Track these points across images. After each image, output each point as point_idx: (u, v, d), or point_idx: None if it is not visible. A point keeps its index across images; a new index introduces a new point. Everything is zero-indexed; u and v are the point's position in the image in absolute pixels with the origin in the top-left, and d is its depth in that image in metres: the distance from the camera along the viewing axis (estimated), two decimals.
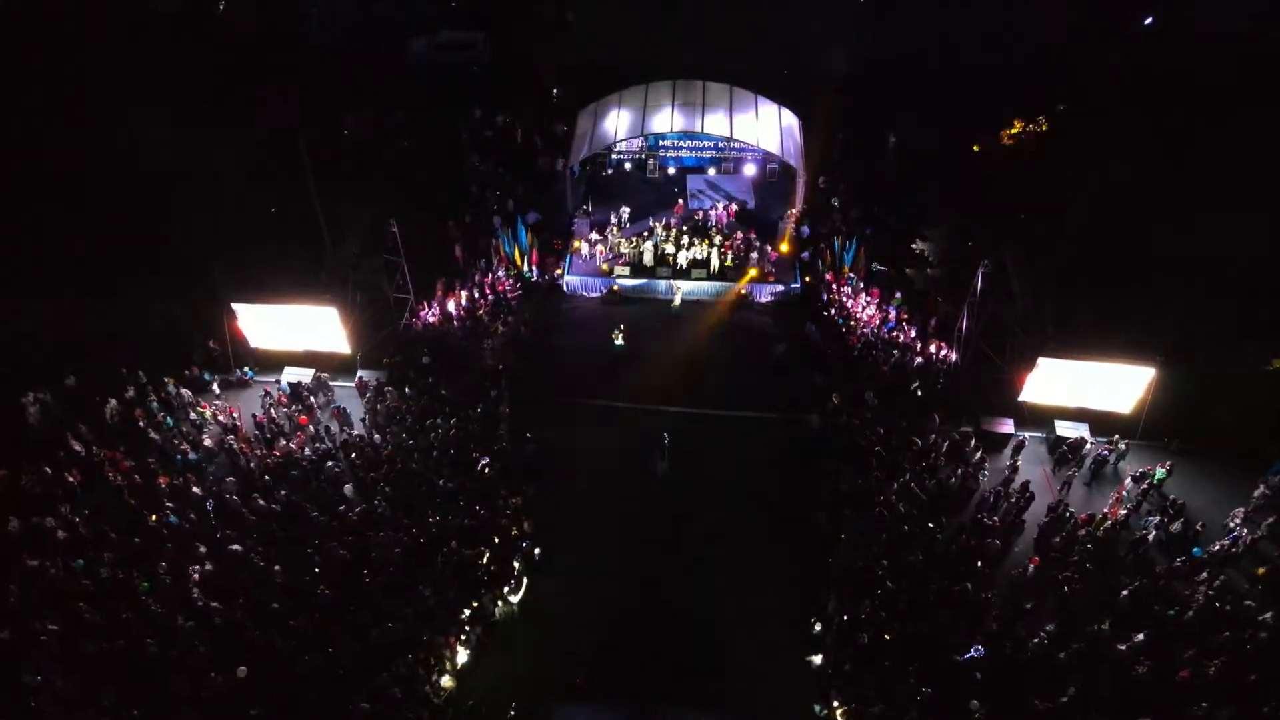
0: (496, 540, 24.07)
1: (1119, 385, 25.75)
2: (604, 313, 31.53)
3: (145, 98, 35.37)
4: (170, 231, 31.57)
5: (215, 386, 28.17)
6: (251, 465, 25.92)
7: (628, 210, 33.06)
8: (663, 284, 31.58)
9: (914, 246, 32.17)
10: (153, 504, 24.70)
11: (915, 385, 27.75)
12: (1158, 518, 24.58)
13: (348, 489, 25.17)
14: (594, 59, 40.62)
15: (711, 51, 40.82)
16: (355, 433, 26.92)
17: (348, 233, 27.75)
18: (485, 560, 23.57)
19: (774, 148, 31.64)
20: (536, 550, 24.36)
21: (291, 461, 25.96)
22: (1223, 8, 40.81)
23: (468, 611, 22.64)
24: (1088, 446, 26.60)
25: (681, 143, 33.34)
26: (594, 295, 32.10)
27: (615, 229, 32.58)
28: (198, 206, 31.72)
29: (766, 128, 32.33)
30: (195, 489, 25.19)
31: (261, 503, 24.83)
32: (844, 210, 33.19)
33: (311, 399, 28.12)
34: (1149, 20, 41.08)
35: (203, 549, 23.72)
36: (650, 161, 34.45)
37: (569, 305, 32.02)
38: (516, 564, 23.87)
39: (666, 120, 32.08)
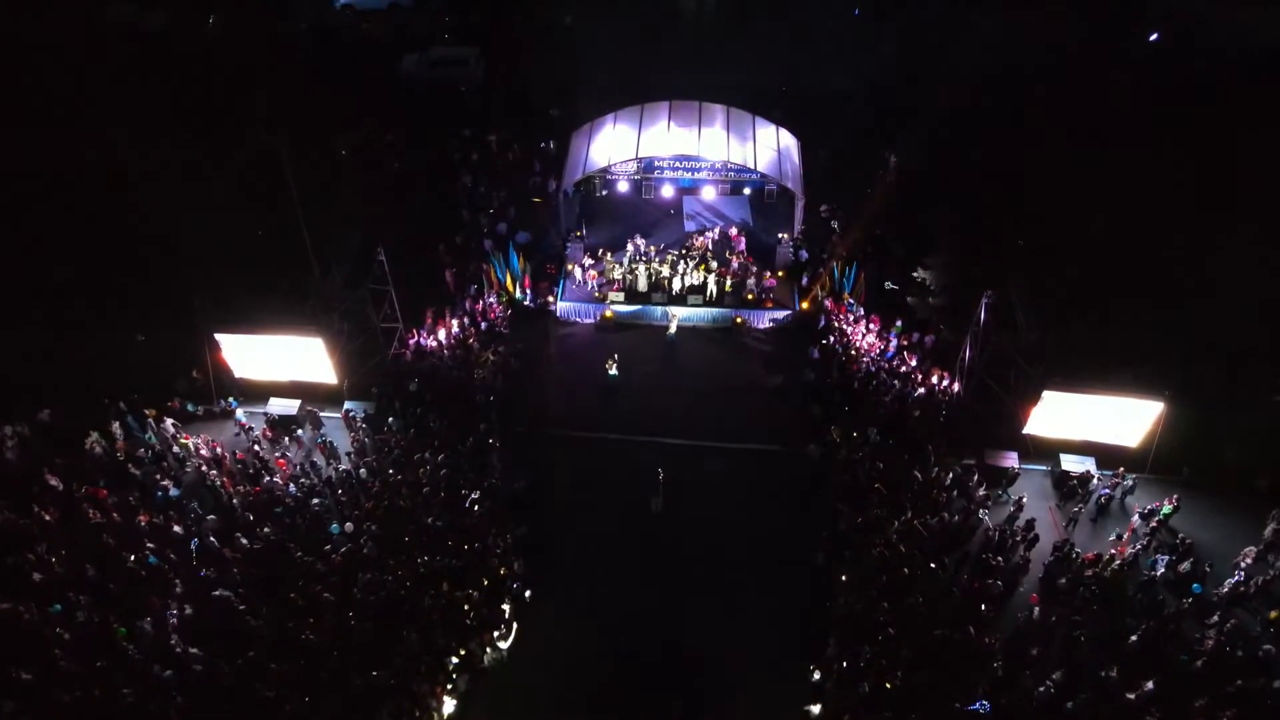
0: (486, 582, 23.36)
1: (1126, 419, 25.09)
2: (598, 340, 30.82)
3: (126, 120, 34.68)
4: (150, 258, 30.84)
5: (200, 415, 27.49)
6: (234, 502, 25.21)
7: (643, 241, 32.27)
8: (658, 310, 30.86)
9: (915, 275, 31.41)
10: (132, 543, 24.03)
11: (916, 414, 27.06)
12: (1167, 557, 23.90)
13: (333, 527, 24.42)
14: (589, 75, 39.99)
15: (709, 67, 40.34)
16: (342, 467, 26.16)
17: (334, 261, 27.00)
18: (474, 604, 22.84)
19: (771, 170, 30.93)
20: (527, 592, 23.66)
21: (275, 498, 25.24)
22: (1230, 24, 40.43)
23: (455, 659, 21.91)
24: (1094, 482, 25.90)
25: (678, 163, 32.59)
26: (588, 321, 31.35)
27: (626, 257, 31.84)
28: (180, 232, 30.95)
29: (764, 149, 31.64)
30: (176, 527, 24.47)
31: (244, 542, 24.11)
32: (844, 233, 32.42)
33: (299, 431, 27.40)
34: (1155, 36, 40.45)
35: (183, 590, 23.05)
36: (646, 183, 33.72)
37: (562, 332, 31.29)
38: (506, 607, 23.15)
39: (662, 142, 31.38)
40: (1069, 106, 36.90)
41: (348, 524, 24.18)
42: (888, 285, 31.60)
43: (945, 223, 32.71)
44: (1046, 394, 24.70)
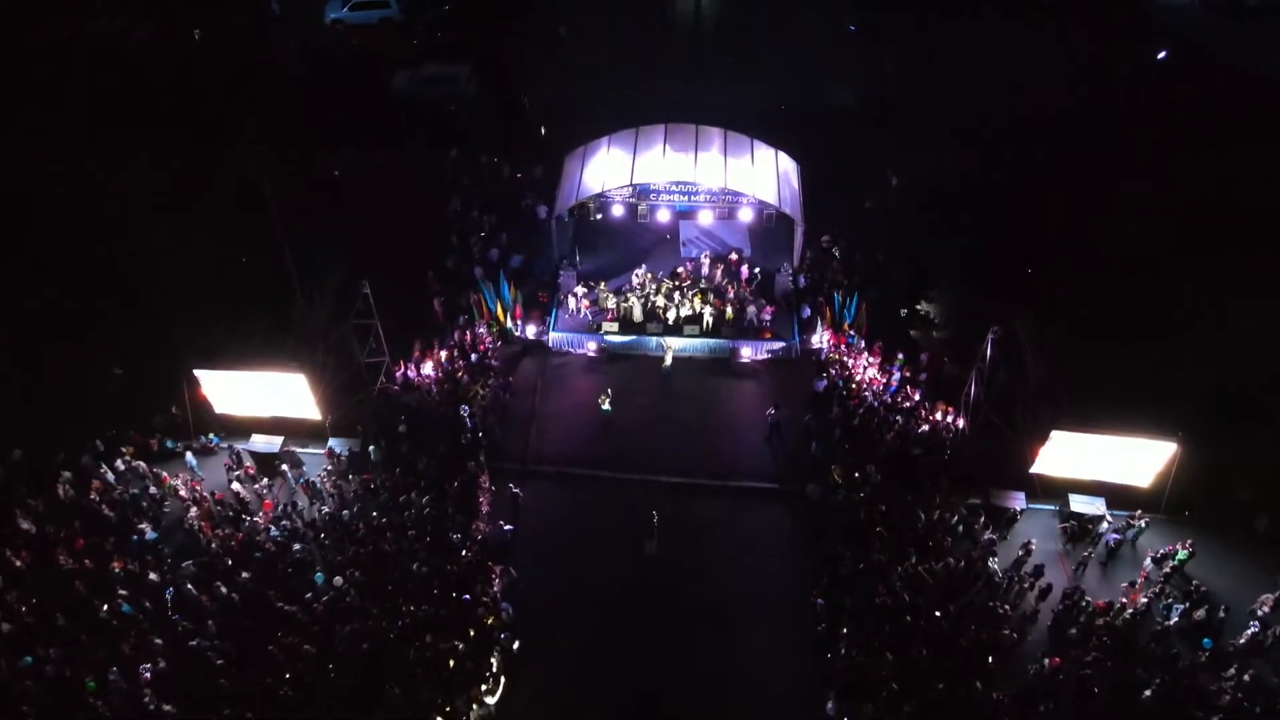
0: (472, 633, 22.43)
1: (1138, 459, 24.19)
2: (591, 372, 29.92)
3: (105, 140, 33.78)
4: (128, 287, 29.96)
5: (186, 455, 26.56)
6: (213, 546, 24.29)
7: (646, 270, 31.50)
8: (653, 341, 29.95)
9: (919, 308, 30.48)
10: (105, 590, 23.12)
11: (919, 451, 26.17)
12: (1182, 605, 22.99)
13: (317, 576, 23.48)
14: (583, 90, 39.12)
15: (705, 83, 39.50)
16: (324, 510, 25.23)
17: (317, 294, 26.10)
18: (460, 656, 21.91)
19: (770, 197, 30.01)
20: (516, 643, 22.72)
21: (254, 543, 24.33)
22: (1238, 41, 39.65)
23: (440, 716, 20.97)
24: (1105, 525, 24.99)
25: (674, 187, 31.66)
26: (580, 352, 30.44)
27: (621, 286, 31.02)
28: (158, 260, 30.04)
29: (763, 174, 30.72)
30: (152, 574, 23.55)
31: (223, 590, 23.20)
32: (845, 261, 31.53)
33: (283, 468, 26.46)
34: (1163, 55, 39.59)
35: (158, 641, 22.13)
36: (641, 206, 32.83)
37: (554, 362, 30.35)
38: (494, 660, 22.22)
39: (658, 167, 30.46)
40: (1076, 127, 36.07)
41: (336, 578, 23.17)
42: (903, 313, 30.75)
43: (949, 250, 31.70)
44: (1055, 434, 23.82)
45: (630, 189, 31.29)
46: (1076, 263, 30.56)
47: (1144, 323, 28.28)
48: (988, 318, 25.14)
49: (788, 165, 31.86)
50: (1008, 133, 35.61)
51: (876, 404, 27.48)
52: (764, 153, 31.57)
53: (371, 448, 26.43)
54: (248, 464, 26.55)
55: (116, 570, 23.49)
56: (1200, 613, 22.89)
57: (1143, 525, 24.77)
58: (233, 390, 26.15)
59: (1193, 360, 26.73)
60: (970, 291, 30.51)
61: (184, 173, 33.66)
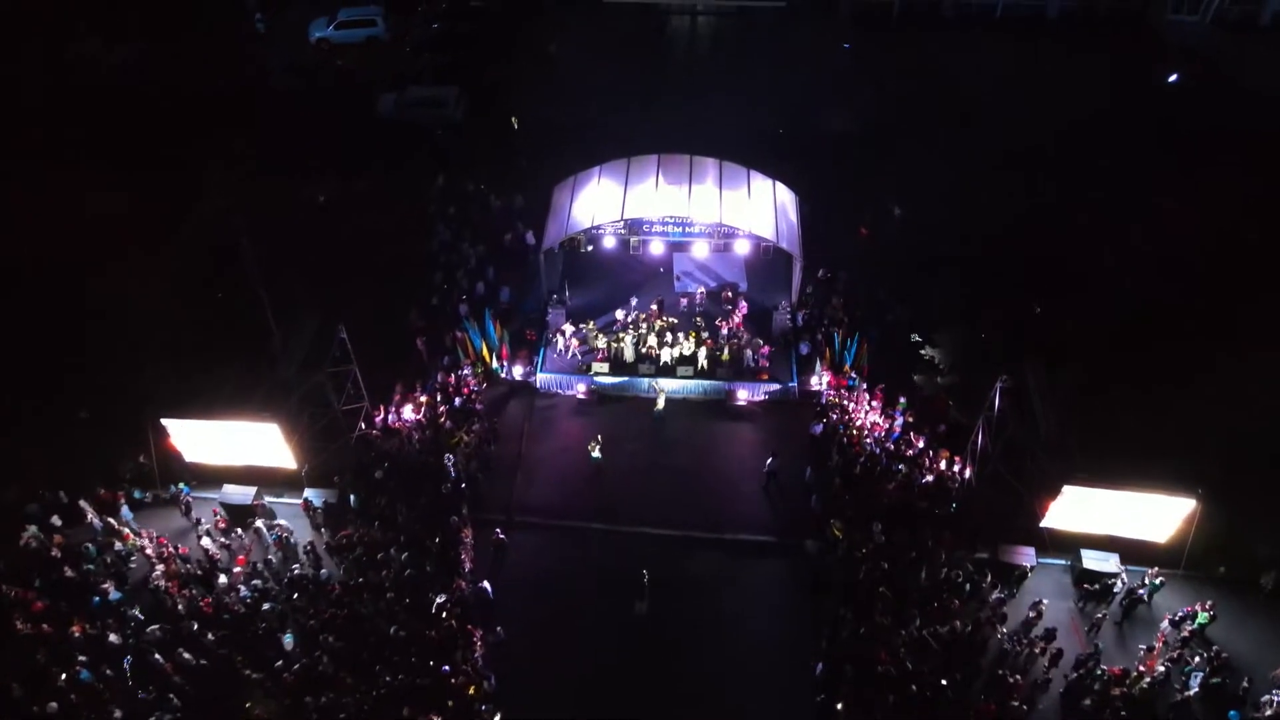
0: (451, 704, 21.16)
1: (1154, 514, 22.93)
2: (580, 415, 28.66)
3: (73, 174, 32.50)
4: (94, 329, 28.71)
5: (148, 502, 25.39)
6: (179, 608, 23.02)
7: (636, 308, 30.42)
8: (645, 382, 28.68)
9: (922, 352, 29.21)
10: (64, 656, 21.86)
11: (924, 504, 24.93)
12: (1201, 674, 21.72)
13: (286, 641, 22.21)
14: (574, 116, 37.93)
15: (701, 108, 38.32)
16: (297, 569, 23.94)
17: (292, 341, 24.85)
18: None
19: (767, 231, 28.76)
20: (498, 716, 21.43)
21: (223, 604, 23.08)
22: (1251, 58, 38.48)
23: None
24: (1120, 585, 23.72)
25: (668, 217, 30.42)
26: (569, 393, 29.18)
27: (612, 325, 29.81)
28: (126, 302, 28.78)
29: (759, 207, 29.48)
30: (113, 637, 22.28)
31: (187, 656, 21.94)
32: (846, 297, 30.27)
33: (256, 523, 25.20)
34: (1174, 78, 38.36)
35: (118, 714, 20.87)
36: (634, 239, 31.61)
37: (541, 404, 29.08)
38: None
39: (650, 201, 29.22)
40: (1088, 155, 34.81)
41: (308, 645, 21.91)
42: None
43: (954, 288, 30.43)
44: (1067, 489, 22.57)
45: (622, 224, 30.02)
46: (1090, 304, 29.30)
47: (1161, 369, 26.96)
48: (996, 364, 23.92)
49: (785, 197, 30.60)
50: (1016, 161, 34.32)
51: (878, 450, 26.22)
52: (761, 184, 30.33)
53: (351, 496, 25.23)
54: (219, 517, 25.26)
55: (76, 635, 22.24)
56: (1220, 679, 21.66)
57: (1157, 583, 23.52)
58: (203, 439, 24.92)
59: (1213, 409, 25.42)
60: (977, 336, 29.20)
61: (155, 206, 32.29)
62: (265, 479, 25.77)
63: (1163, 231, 31.20)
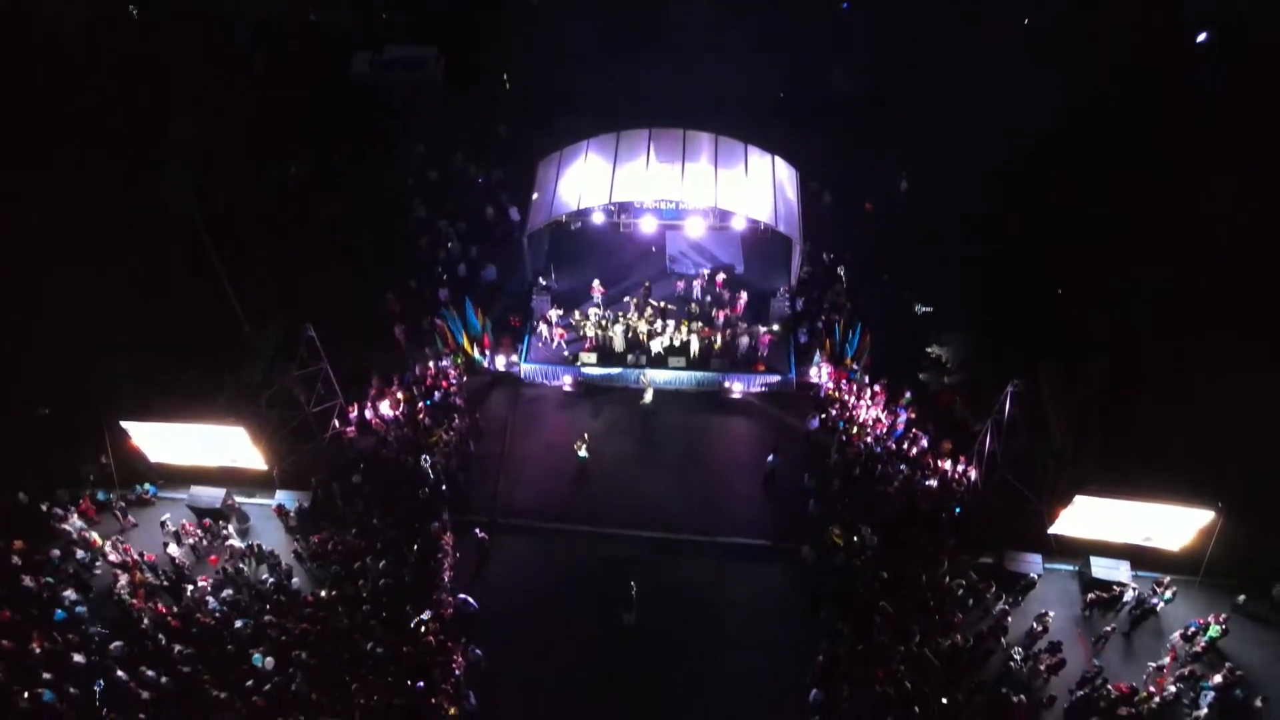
0: None
1: (1169, 522, 21.82)
2: (567, 408, 27.32)
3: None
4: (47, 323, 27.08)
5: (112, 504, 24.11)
6: (145, 622, 21.93)
7: (625, 297, 28.78)
8: (634, 374, 27.24)
9: (929, 350, 27.70)
10: (24, 675, 20.81)
11: (925, 507, 23.78)
12: (1213, 693, 20.80)
13: (257, 658, 21.16)
14: (561, 78, 35.71)
15: (694, 68, 35.99)
16: (269, 579, 22.79)
17: (258, 343, 23.35)
18: None
19: (764, 213, 26.97)
20: None
21: (191, 617, 22.00)
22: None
23: None
24: (1129, 594, 22.70)
25: (660, 200, 28.62)
26: (555, 384, 27.76)
27: (597, 311, 28.19)
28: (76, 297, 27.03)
29: (756, 186, 27.65)
30: (77, 655, 21.21)
31: (151, 674, 20.90)
32: (849, 283, 28.64)
33: (226, 528, 24.02)
34: (1203, 37, 35.91)
35: None
36: (624, 218, 29.86)
37: (526, 396, 27.70)
38: None
39: (641, 181, 27.32)
40: (1110, 125, 32.68)
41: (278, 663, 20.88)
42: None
43: (964, 275, 28.77)
44: (1079, 498, 21.39)
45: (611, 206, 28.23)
46: (1113, 300, 27.64)
47: (1182, 374, 25.47)
48: (1007, 366, 22.51)
49: (784, 174, 28.74)
50: (1028, 132, 32.19)
51: (879, 449, 24.94)
52: (759, 160, 28.44)
53: (332, 509, 23.99)
54: (185, 521, 24.04)
55: (35, 650, 21.16)
56: (1234, 695, 20.78)
57: (1170, 595, 22.51)
58: (168, 440, 23.59)
59: (1238, 415, 24.00)
60: (988, 332, 27.67)
61: (108, 192, 30.14)
62: (235, 479, 24.53)
63: (1186, 217, 29.16)
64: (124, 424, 23.02)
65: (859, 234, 30.48)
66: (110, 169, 30.92)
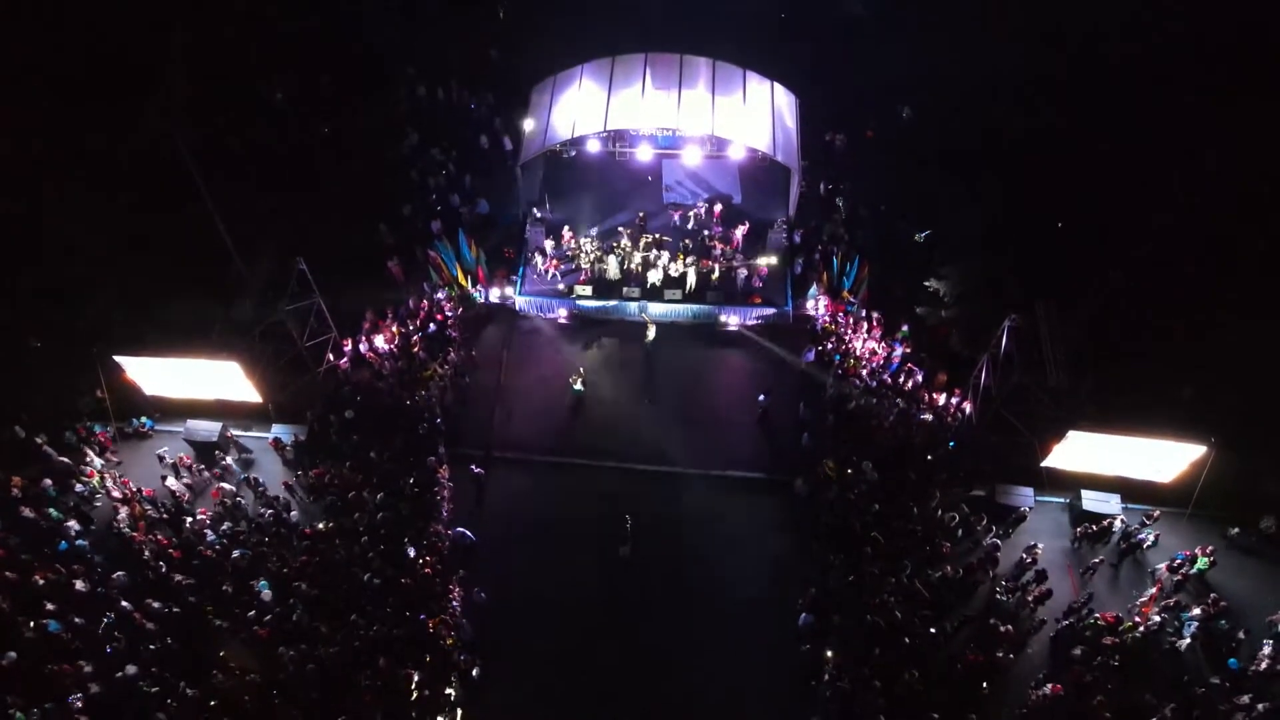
0: (429, 657, 20.67)
1: (1161, 458, 21.91)
2: (562, 341, 27.19)
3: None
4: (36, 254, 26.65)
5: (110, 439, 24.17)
6: (146, 554, 22.21)
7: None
8: (631, 306, 27.00)
9: (926, 283, 27.34)
10: (30, 604, 21.16)
11: (919, 441, 23.86)
12: (1196, 624, 21.20)
13: (261, 585, 21.47)
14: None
15: None
16: (267, 511, 22.99)
17: (249, 275, 23.05)
18: (415, 684, 20.21)
19: (763, 142, 26.37)
20: (475, 668, 20.97)
21: (193, 549, 22.28)
22: None
23: None
24: (1118, 525, 22.94)
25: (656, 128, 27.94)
26: (550, 316, 27.57)
27: (592, 243, 27.64)
28: (65, 229, 26.53)
29: (755, 113, 26.97)
30: (79, 584, 21.54)
31: (156, 605, 21.28)
32: (848, 214, 28.16)
33: (224, 459, 24.14)
34: None
35: (88, 668, 20.32)
36: (619, 145, 29.14)
37: (522, 328, 27.51)
38: (452, 689, 20.55)
39: (636, 109, 26.64)
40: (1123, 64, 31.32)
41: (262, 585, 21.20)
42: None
43: (964, 208, 28.22)
44: (1072, 433, 21.43)
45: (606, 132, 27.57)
46: (1115, 238, 27.10)
47: (1182, 311, 25.18)
48: (1005, 300, 22.27)
49: (783, 101, 28.00)
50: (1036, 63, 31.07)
51: (874, 383, 24.88)
52: (757, 86, 27.68)
53: (329, 446, 24.04)
54: (181, 454, 24.15)
55: (39, 582, 21.48)
56: (1217, 626, 21.20)
57: (1153, 540, 22.71)
58: (163, 373, 23.51)
59: (1235, 352, 23.83)
60: (986, 266, 27.24)
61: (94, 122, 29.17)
62: (232, 412, 24.56)
63: (1199, 165, 28.28)
64: (117, 358, 22.90)
65: (860, 162, 29.81)
66: (92, 95, 29.99)
